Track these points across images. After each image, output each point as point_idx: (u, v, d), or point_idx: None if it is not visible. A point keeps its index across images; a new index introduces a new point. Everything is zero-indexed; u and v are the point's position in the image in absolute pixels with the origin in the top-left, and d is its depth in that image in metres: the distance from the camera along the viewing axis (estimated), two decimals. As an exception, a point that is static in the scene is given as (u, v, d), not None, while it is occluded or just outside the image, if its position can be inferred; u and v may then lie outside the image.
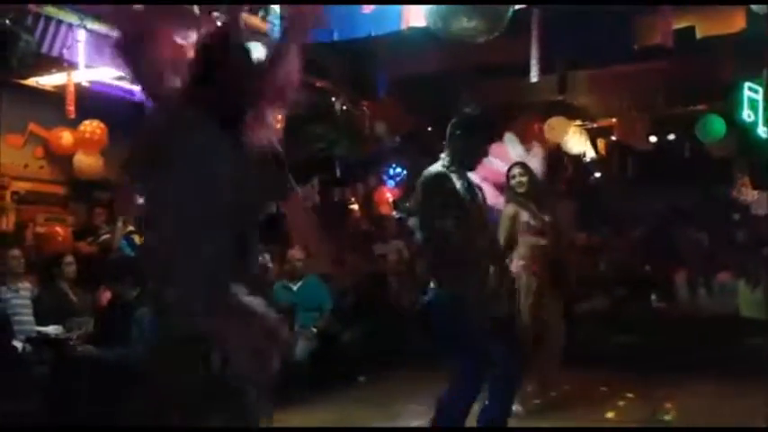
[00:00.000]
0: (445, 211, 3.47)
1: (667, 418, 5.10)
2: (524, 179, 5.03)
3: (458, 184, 3.54)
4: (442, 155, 3.65)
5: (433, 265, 3.62)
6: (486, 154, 3.84)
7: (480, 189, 3.79)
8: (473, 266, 3.48)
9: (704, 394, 5.74)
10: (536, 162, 5.27)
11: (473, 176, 3.83)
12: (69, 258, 5.65)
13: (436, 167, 3.59)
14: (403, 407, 5.18)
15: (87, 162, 7.39)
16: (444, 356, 3.54)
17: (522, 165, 5.10)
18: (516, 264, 4.98)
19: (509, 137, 5.19)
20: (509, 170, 5.09)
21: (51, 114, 7.14)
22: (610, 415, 5.18)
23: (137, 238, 6.62)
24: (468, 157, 3.68)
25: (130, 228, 6.59)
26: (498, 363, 3.53)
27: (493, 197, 5.02)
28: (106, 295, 5.56)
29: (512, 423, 4.55)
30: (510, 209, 5.03)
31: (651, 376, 6.13)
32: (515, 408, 4.87)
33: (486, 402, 3.67)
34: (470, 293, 3.41)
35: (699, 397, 5.68)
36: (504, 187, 5.11)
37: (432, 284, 3.55)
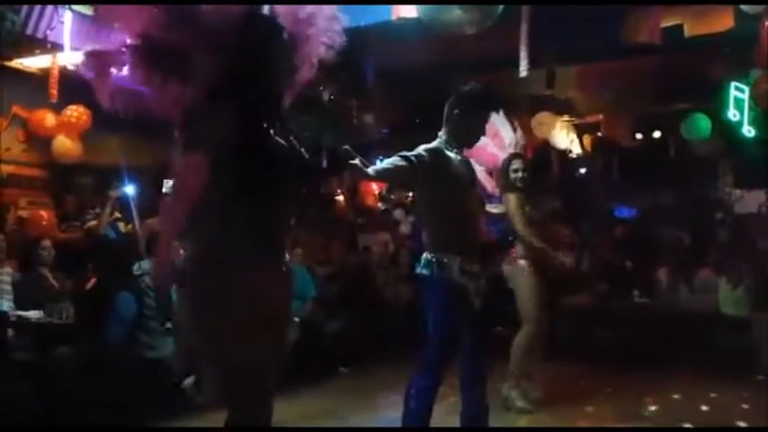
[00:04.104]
0: (440, 185, 3.49)
1: (647, 413, 5.15)
2: (525, 174, 4.98)
3: (453, 160, 3.55)
4: (440, 133, 3.65)
5: (427, 237, 3.62)
6: (483, 132, 3.83)
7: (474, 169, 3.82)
8: (464, 241, 3.51)
9: (684, 389, 5.79)
10: (523, 141, 5.26)
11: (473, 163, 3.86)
12: (46, 243, 5.58)
13: (432, 144, 3.59)
14: (385, 398, 5.19)
15: (68, 146, 7.30)
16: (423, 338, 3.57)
17: (522, 157, 5.05)
18: (514, 259, 4.99)
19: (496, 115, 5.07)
20: (509, 162, 5.02)
21: (35, 97, 7.05)
22: (590, 409, 5.21)
23: (122, 226, 6.58)
24: (467, 136, 3.68)
25: (117, 215, 6.54)
26: (464, 351, 3.58)
27: (489, 183, 5.02)
28: (92, 280, 5.53)
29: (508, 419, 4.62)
30: (515, 199, 4.95)
31: (632, 371, 6.18)
32: (520, 404, 4.93)
33: (462, 406, 3.71)
34: (456, 266, 3.44)
35: (678, 392, 5.73)
36: (496, 173, 5.07)
37: (424, 256, 3.57)
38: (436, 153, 3.53)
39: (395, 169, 3.39)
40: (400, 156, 3.42)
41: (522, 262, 5.00)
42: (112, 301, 4.97)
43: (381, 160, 3.50)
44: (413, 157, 3.42)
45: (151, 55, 2.36)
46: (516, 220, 4.93)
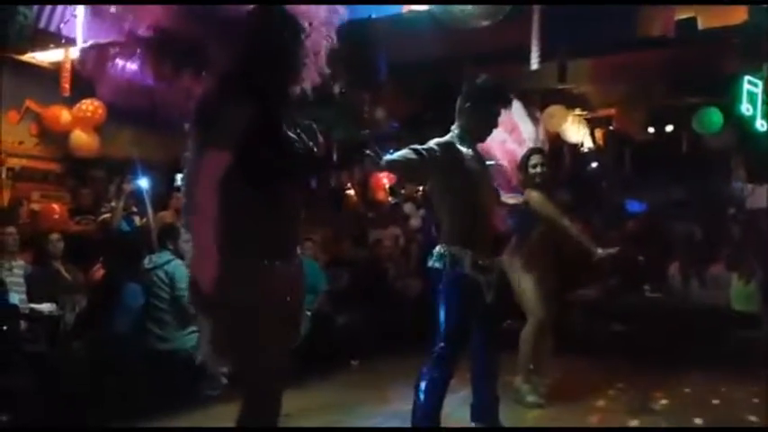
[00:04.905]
0: (452, 179, 3.50)
1: (657, 407, 5.13)
2: (544, 169, 4.92)
3: (466, 154, 3.55)
4: (453, 127, 3.65)
5: (440, 230, 3.63)
6: (496, 125, 3.81)
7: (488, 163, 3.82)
8: (477, 235, 3.51)
9: (694, 384, 5.78)
10: (543, 135, 5.22)
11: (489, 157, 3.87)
12: (56, 236, 5.63)
13: (444, 138, 3.59)
14: (395, 391, 5.19)
15: (84, 140, 7.35)
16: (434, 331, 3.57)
17: (541, 152, 4.99)
18: (522, 252, 4.97)
19: (515, 104, 4.80)
20: (527, 157, 4.95)
21: (48, 91, 7.10)
22: (600, 403, 5.20)
23: (137, 219, 6.62)
24: (479, 129, 3.68)
25: (133, 208, 6.57)
26: (476, 344, 3.59)
27: (512, 176, 4.99)
28: (100, 272, 5.57)
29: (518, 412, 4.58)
30: (540, 195, 4.90)
31: (643, 366, 6.16)
32: (531, 399, 4.92)
33: (473, 398, 3.73)
34: (468, 259, 3.44)
35: (689, 386, 5.72)
36: (517, 168, 5.01)
37: (436, 249, 3.57)
38: (447, 147, 3.53)
39: (405, 162, 3.39)
40: (411, 148, 3.42)
41: (524, 254, 4.96)
42: (120, 292, 5.02)
43: (392, 153, 3.49)
44: (423, 151, 3.43)
45: (166, 47, 2.36)
46: (554, 215, 4.87)
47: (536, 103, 8.72)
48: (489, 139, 3.99)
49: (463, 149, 3.57)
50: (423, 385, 3.49)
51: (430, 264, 3.58)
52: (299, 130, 2.57)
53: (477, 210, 3.58)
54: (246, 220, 2.37)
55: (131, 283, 5.08)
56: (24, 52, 6.70)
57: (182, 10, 2.38)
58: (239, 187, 2.35)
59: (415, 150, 3.41)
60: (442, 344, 3.48)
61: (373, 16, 6.09)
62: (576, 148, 10.27)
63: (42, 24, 5.78)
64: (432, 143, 3.51)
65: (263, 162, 2.36)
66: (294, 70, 2.55)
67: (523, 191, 4.99)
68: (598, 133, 10.74)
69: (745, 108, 7.92)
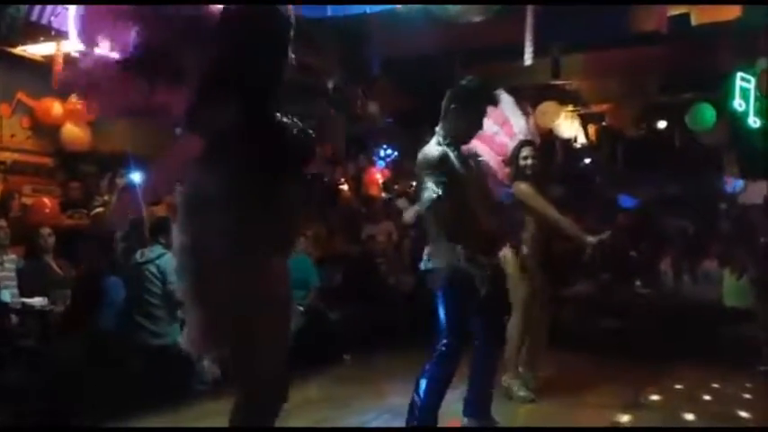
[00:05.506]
0: (449, 184, 3.50)
1: (649, 402, 5.15)
2: (535, 161, 4.88)
3: (455, 161, 3.55)
4: (437, 129, 3.65)
5: (435, 227, 3.62)
6: (482, 126, 3.81)
7: (477, 159, 3.81)
8: (471, 231, 3.51)
9: (686, 379, 5.81)
10: (534, 128, 5.21)
11: (477, 149, 3.86)
12: (47, 230, 5.60)
13: (433, 147, 3.58)
14: (388, 386, 5.20)
15: (76, 134, 7.32)
16: (433, 329, 3.58)
17: (532, 145, 4.95)
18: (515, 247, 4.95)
19: (505, 99, 4.93)
20: (519, 149, 4.89)
21: (40, 84, 7.05)
22: (592, 398, 5.22)
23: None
24: (465, 130, 3.67)
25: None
26: (478, 340, 3.61)
27: (500, 170, 4.98)
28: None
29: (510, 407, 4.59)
30: (529, 188, 4.83)
31: (635, 361, 6.18)
32: (522, 394, 4.91)
33: (467, 393, 3.73)
34: (463, 255, 3.45)
35: (680, 382, 5.74)
36: (507, 161, 4.95)
37: (427, 252, 3.58)
38: (445, 162, 3.52)
39: (435, 206, 3.41)
40: (432, 191, 3.39)
41: (517, 249, 4.95)
42: (102, 285, 5.02)
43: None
44: (440, 186, 3.41)
45: (155, 65, 2.35)
46: (542, 206, 4.84)
47: (529, 99, 8.75)
48: (479, 132, 3.99)
49: (453, 154, 3.57)
50: (424, 383, 3.48)
51: (424, 259, 3.59)
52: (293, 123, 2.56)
53: (468, 208, 3.58)
54: (247, 214, 2.35)
55: (113, 277, 5.08)
56: (16, 45, 6.66)
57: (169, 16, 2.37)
58: (238, 181, 2.34)
59: (438, 196, 3.39)
60: (445, 341, 3.47)
61: (368, 11, 6.07)
62: (568, 143, 10.29)
63: (34, 17, 5.74)
64: (438, 175, 3.45)
65: (261, 154, 2.34)
66: (286, 64, 2.54)
67: (512, 184, 4.98)
68: (591, 129, 10.77)
69: (738, 104, 7.96)
